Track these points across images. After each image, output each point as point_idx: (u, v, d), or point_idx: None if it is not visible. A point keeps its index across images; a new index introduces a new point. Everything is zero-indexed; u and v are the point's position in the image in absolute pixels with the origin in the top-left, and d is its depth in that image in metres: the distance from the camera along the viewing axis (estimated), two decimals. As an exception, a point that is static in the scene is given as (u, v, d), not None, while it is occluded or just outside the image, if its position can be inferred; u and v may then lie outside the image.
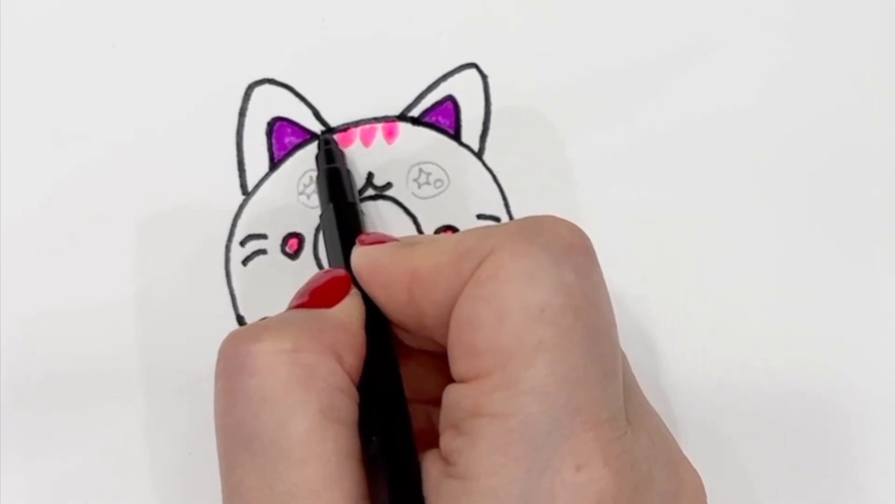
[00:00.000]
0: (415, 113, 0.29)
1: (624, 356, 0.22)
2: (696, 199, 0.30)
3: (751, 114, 0.30)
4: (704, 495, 0.21)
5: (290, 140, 0.29)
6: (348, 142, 0.29)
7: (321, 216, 0.27)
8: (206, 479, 0.27)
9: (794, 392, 0.29)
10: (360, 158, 0.29)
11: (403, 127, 0.29)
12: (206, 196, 0.29)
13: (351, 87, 0.30)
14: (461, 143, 0.30)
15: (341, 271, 0.24)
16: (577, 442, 0.18)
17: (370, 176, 0.29)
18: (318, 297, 0.23)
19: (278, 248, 0.29)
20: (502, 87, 0.30)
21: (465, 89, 0.30)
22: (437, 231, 0.29)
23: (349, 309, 0.22)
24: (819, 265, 0.30)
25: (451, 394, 0.20)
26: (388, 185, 0.29)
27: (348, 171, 0.28)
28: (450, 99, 0.30)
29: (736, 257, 0.29)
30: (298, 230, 0.29)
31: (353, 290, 0.23)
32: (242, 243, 0.29)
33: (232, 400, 0.20)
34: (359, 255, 0.23)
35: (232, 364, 0.20)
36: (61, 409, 0.28)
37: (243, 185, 0.29)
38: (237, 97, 0.29)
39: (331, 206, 0.26)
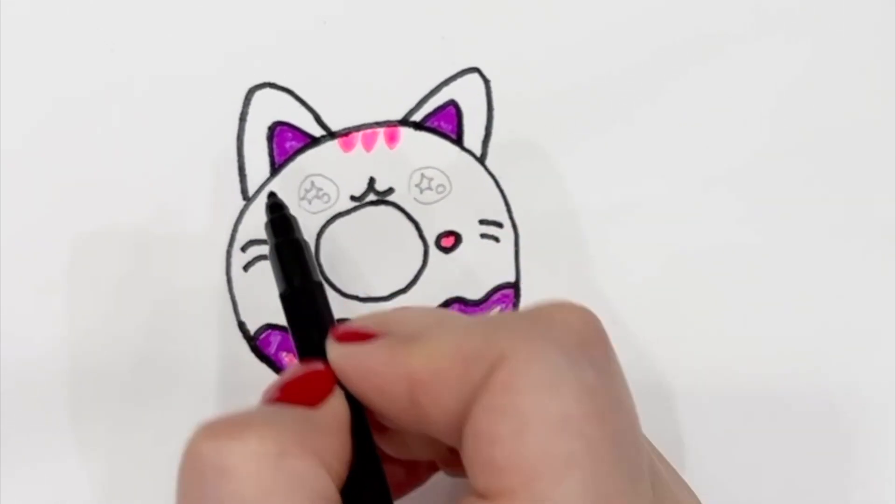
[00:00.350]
0: (417, 117, 0.29)
1: (646, 440, 0.21)
2: (696, 198, 0.30)
3: (750, 114, 0.30)
4: None
5: (291, 145, 0.29)
6: (350, 146, 0.29)
7: (281, 297, 0.24)
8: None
9: (797, 393, 0.29)
10: (362, 163, 0.29)
11: (405, 132, 0.29)
12: (207, 201, 0.29)
13: (352, 91, 0.29)
14: (463, 148, 0.29)
15: (320, 365, 0.21)
16: None
17: (372, 181, 0.29)
18: (300, 393, 0.20)
19: (279, 254, 0.29)
20: (504, 91, 0.30)
21: (468, 94, 0.30)
22: (439, 237, 0.29)
23: (335, 410, 0.20)
24: (820, 265, 0.30)
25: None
26: (390, 191, 0.29)
27: (305, 242, 0.25)
28: (452, 103, 0.30)
29: (736, 257, 0.29)
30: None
31: (337, 389, 0.20)
32: (244, 249, 0.28)
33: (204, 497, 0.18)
34: (341, 355, 0.21)
35: (206, 462, 0.18)
36: (60, 411, 0.28)
37: (244, 191, 0.29)
38: (238, 101, 0.29)
39: (291, 290, 0.24)
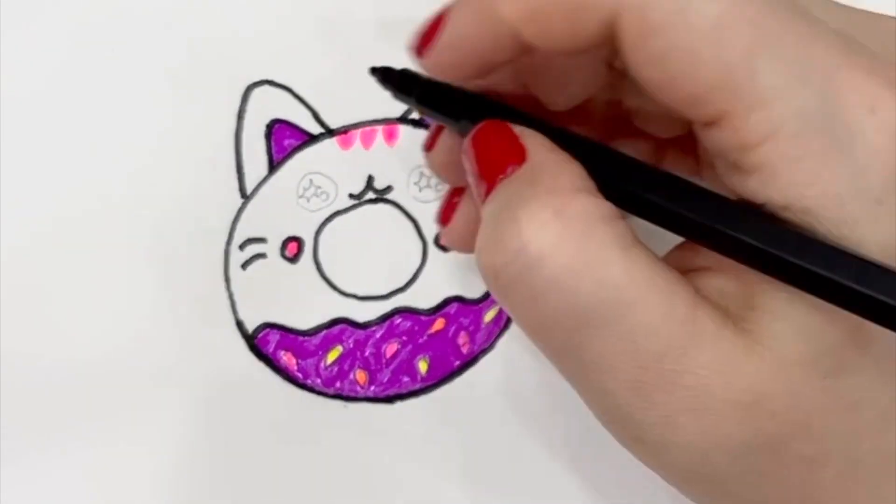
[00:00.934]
0: (415, 115, 0.29)
1: None
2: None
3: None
4: None
5: (289, 142, 0.29)
6: (348, 144, 0.29)
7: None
8: (206, 482, 0.27)
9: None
10: (361, 161, 0.29)
11: (404, 129, 0.29)
12: (205, 199, 0.29)
13: (351, 88, 0.29)
14: (462, 146, 0.29)
15: (491, 125, 0.20)
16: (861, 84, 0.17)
17: (370, 179, 0.29)
18: (507, 158, 0.19)
19: (277, 252, 0.28)
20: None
21: (466, 91, 0.29)
22: (438, 235, 0.29)
23: (538, 144, 0.19)
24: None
25: (712, 140, 0.18)
26: (389, 188, 0.29)
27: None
28: (451, 101, 0.29)
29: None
30: (298, 234, 0.29)
31: (519, 129, 0.20)
32: (241, 247, 0.28)
33: (536, 298, 0.18)
34: (435, 59, 0.21)
35: (516, 268, 0.18)
36: (59, 411, 0.28)
37: (242, 189, 0.29)
38: (236, 99, 0.29)
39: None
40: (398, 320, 0.28)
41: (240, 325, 0.28)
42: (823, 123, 0.17)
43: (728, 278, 0.19)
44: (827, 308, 0.17)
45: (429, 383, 0.28)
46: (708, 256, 0.19)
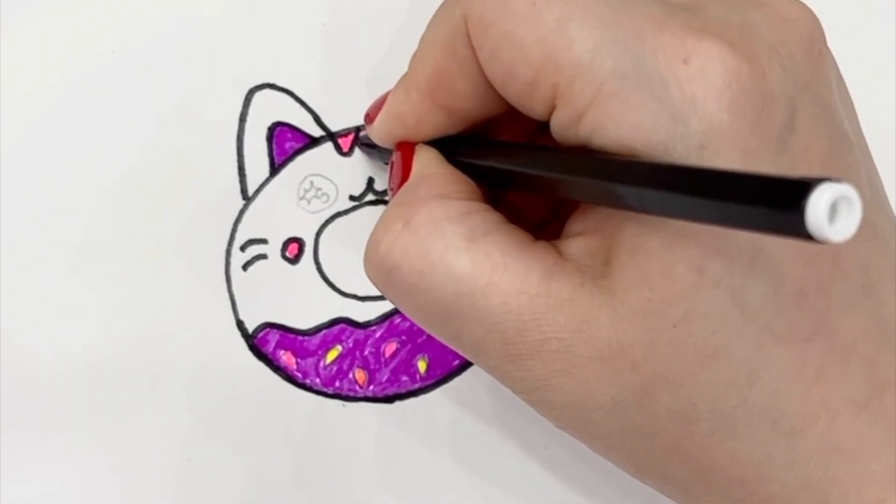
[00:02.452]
0: (415, 118, 0.29)
1: None
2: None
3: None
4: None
5: (290, 145, 0.29)
6: (349, 147, 0.29)
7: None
8: (205, 484, 0.27)
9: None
10: (361, 163, 0.29)
11: (404, 132, 0.29)
12: (207, 201, 0.29)
13: (352, 92, 0.30)
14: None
15: (398, 148, 0.24)
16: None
17: (371, 181, 0.29)
18: (398, 178, 0.23)
19: (278, 253, 0.29)
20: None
21: (466, 94, 0.30)
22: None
23: (422, 160, 0.22)
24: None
25: (556, 128, 0.20)
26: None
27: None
28: (450, 104, 0.30)
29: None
30: (299, 235, 0.29)
31: (418, 146, 0.23)
32: (243, 248, 0.29)
33: (406, 299, 0.21)
34: (378, 127, 0.24)
35: (382, 277, 0.21)
36: (59, 411, 0.28)
37: (244, 190, 0.29)
38: (237, 102, 0.29)
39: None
40: (398, 320, 0.28)
41: (240, 324, 0.28)
42: (640, 78, 0.18)
43: (592, 239, 0.20)
44: (666, 254, 0.18)
45: (428, 383, 0.28)
46: (581, 221, 0.20)
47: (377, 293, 0.28)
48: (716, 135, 0.17)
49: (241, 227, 0.29)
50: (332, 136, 0.29)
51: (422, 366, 0.28)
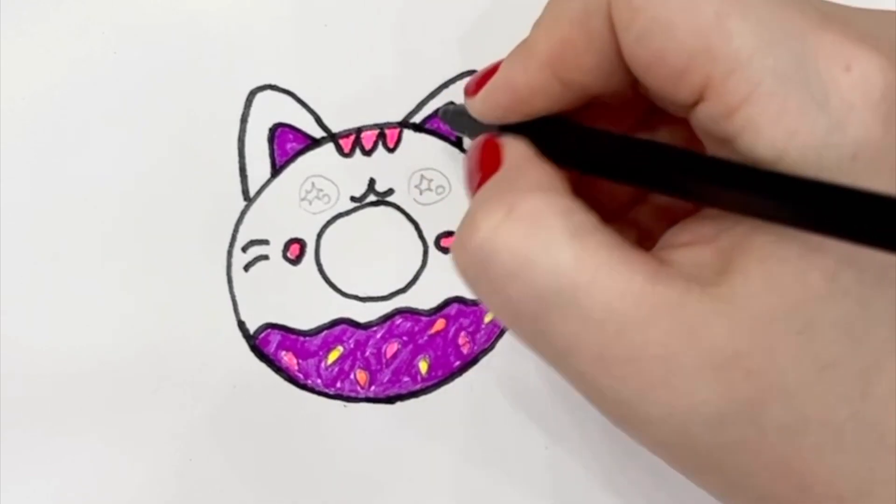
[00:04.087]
0: (417, 119, 0.30)
1: None
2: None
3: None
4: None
5: (291, 146, 0.29)
6: (350, 148, 0.29)
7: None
8: (207, 485, 0.27)
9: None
10: (362, 164, 0.29)
11: (405, 133, 0.30)
12: (208, 202, 0.29)
13: (353, 93, 0.30)
14: (463, 150, 0.30)
15: (482, 138, 0.23)
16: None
17: (372, 182, 0.29)
18: (487, 167, 0.22)
19: (280, 254, 0.29)
20: (504, 93, 0.30)
21: (467, 96, 0.30)
22: (439, 237, 0.29)
23: (514, 152, 0.22)
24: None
25: (702, 118, 0.19)
26: (390, 192, 0.29)
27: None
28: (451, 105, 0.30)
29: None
30: (300, 236, 0.29)
31: (504, 137, 0.22)
32: (244, 249, 0.29)
33: (499, 290, 0.20)
34: (485, 96, 0.22)
35: (477, 264, 0.20)
36: (60, 412, 0.28)
37: (245, 191, 0.29)
38: (239, 103, 0.29)
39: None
40: (399, 321, 0.28)
41: (241, 325, 0.28)
42: (799, 81, 0.17)
43: (704, 249, 0.19)
44: (801, 261, 0.18)
45: (429, 383, 0.28)
46: (691, 231, 0.20)
47: (378, 294, 0.29)
48: (868, 146, 0.17)
49: (242, 227, 0.29)
50: (333, 137, 0.29)
51: (423, 366, 0.28)
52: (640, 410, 0.19)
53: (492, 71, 0.22)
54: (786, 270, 0.18)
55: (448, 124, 0.28)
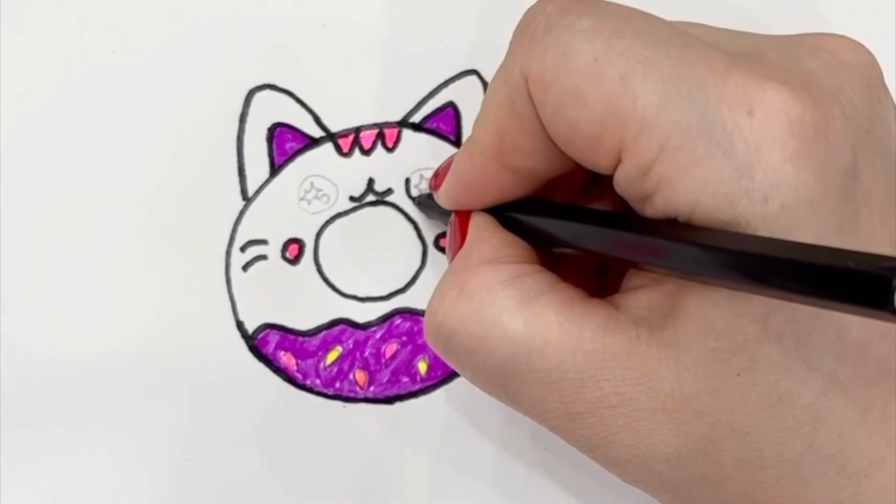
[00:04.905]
0: (416, 119, 0.29)
1: None
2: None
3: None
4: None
5: (290, 146, 0.29)
6: (349, 148, 0.29)
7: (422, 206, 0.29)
8: (204, 486, 0.27)
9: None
10: (361, 164, 0.29)
11: (404, 133, 0.29)
12: (207, 201, 0.29)
13: (352, 92, 0.30)
14: (462, 150, 0.30)
15: (454, 216, 0.24)
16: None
17: (371, 182, 0.29)
18: (456, 242, 0.23)
19: (279, 254, 0.29)
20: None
21: (466, 96, 0.30)
22: (438, 237, 0.29)
23: (477, 225, 0.23)
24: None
25: (621, 181, 0.19)
26: (389, 191, 0.29)
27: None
28: (451, 105, 0.30)
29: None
30: (299, 236, 0.29)
31: (473, 214, 0.23)
32: (243, 249, 0.29)
33: (465, 363, 0.21)
34: (445, 193, 0.24)
35: (440, 342, 0.21)
36: (58, 412, 0.28)
37: (244, 191, 0.29)
38: (238, 102, 0.29)
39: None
40: (398, 321, 0.28)
41: (240, 325, 0.28)
42: (704, 131, 0.18)
43: (654, 292, 0.20)
44: (732, 305, 0.18)
45: (428, 384, 0.28)
46: (642, 275, 0.21)
47: (377, 294, 0.29)
48: (780, 187, 0.17)
49: (241, 227, 0.29)
50: (332, 137, 0.29)
51: (422, 367, 0.28)
52: (609, 454, 0.20)
53: (449, 164, 0.24)
54: (719, 315, 0.18)
55: (424, 212, 0.29)
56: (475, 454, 0.28)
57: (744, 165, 0.18)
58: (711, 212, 0.18)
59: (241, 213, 0.29)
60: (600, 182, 0.23)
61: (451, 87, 0.30)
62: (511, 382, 0.20)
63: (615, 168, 0.19)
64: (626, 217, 0.20)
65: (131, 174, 0.29)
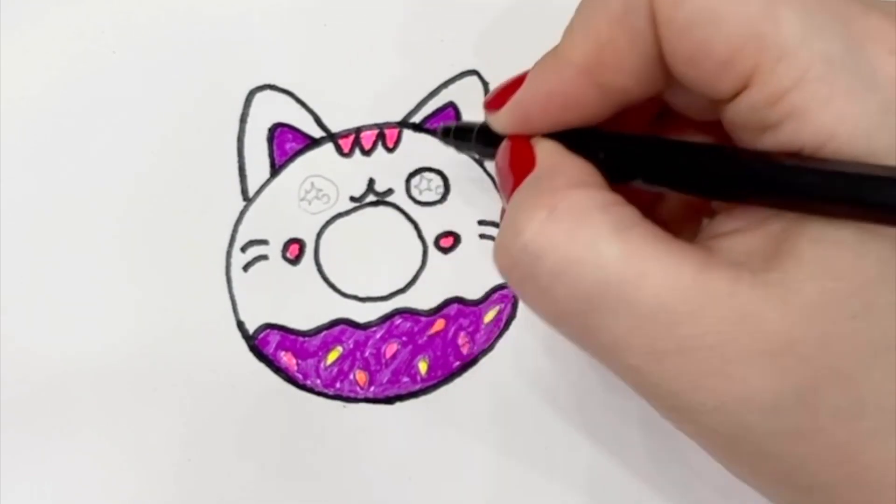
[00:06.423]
0: (416, 119, 0.30)
1: None
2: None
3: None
4: None
5: (291, 146, 0.29)
6: (349, 148, 0.29)
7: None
8: (204, 486, 0.27)
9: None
10: (362, 164, 0.29)
11: (405, 133, 0.29)
12: (208, 202, 0.29)
13: (352, 93, 0.30)
14: (462, 150, 0.30)
15: (509, 141, 0.22)
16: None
17: (371, 182, 0.29)
18: (519, 168, 0.21)
19: (279, 254, 0.29)
20: (503, 93, 0.30)
21: (466, 96, 0.30)
22: (438, 237, 0.29)
23: (547, 151, 0.21)
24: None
25: (743, 108, 0.19)
26: (390, 192, 0.29)
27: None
28: (451, 105, 0.30)
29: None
30: (299, 236, 0.29)
31: (536, 139, 0.22)
32: (243, 249, 0.29)
33: (546, 291, 0.19)
34: (513, 110, 0.22)
35: (522, 267, 0.20)
36: (58, 412, 0.28)
37: (244, 191, 0.29)
38: (238, 103, 0.29)
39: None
40: (398, 321, 0.28)
41: (240, 325, 0.28)
42: (847, 65, 0.17)
43: (753, 235, 0.19)
44: (857, 245, 0.17)
45: (429, 384, 0.28)
46: (737, 218, 0.20)
47: (377, 294, 0.29)
48: None
49: (241, 228, 0.29)
50: (332, 137, 0.29)
51: (422, 367, 0.28)
52: (692, 401, 0.18)
53: (516, 83, 0.22)
54: (840, 254, 0.18)
55: (450, 144, 0.27)
56: (476, 453, 0.28)
57: (885, 102, 0.17)
58: (845, 146, 0.17)
59: (242, 213, 0.29)
60: (668, 115, 0.23)
61: (452, 87, 0.30)
62: (594, 313, 0.19)
63: (736, 95, 0.19)
64: (738, 150, 0.19)
65: (131, 174, 0.29)
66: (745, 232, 0.19)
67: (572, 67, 0.20)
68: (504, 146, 0.22)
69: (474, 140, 0.25)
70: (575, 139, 0.21)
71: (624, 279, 0.18)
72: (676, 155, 0.20)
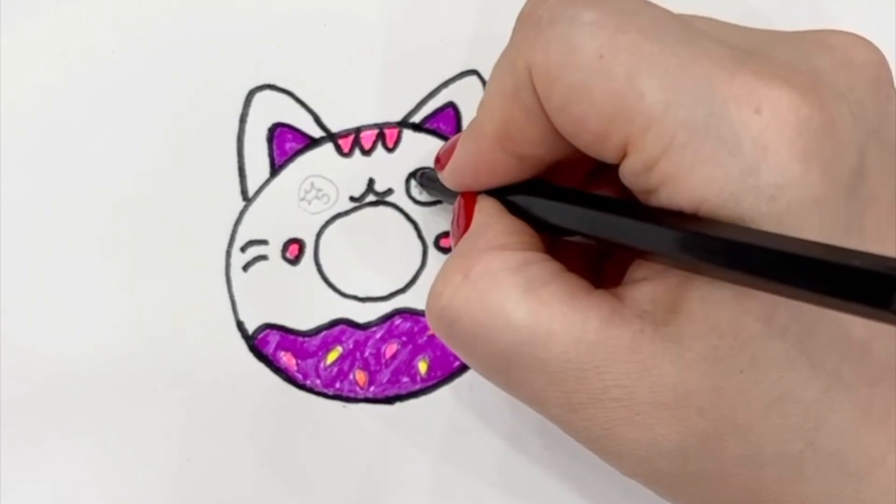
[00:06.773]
0: (416, 119, 0.29)
1: None
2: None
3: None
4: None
5: (291, 146, 0.29)
6: (349, 148, 0.29)
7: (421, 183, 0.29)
8: (205, 486, 0.27)
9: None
10: (362, 164, 0.29)
11: (405, 133, 0.29)
12: (207, 202, 0.29)
13: (352, 93, 0.30)
14: (462, 150, 0.30)
15: (460, 197, 0.24)
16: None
17: (371, 182, 0.29)
18: (461, 226, 0.23)
19: (279, 254, 0.29)
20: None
21: (467, 96, 0.30)
22: (439, 237, 0.29)
23: (484, 210, 0.23)
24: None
25: (626, 174, 0.19)
26: (389, 192, 0.29)
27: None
28: (451, 105, 0.30)
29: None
30: (299, 236, 0.29)
31: (479, 197, 0.23)
32: (243, 249, 0.29)
33: (467, 349, 0.21)
34: (449, 175, 0.24)
35: (443, 327, 0.21)
36: (59, 412, 0.28)
37: (244, 191, 0.29)
38: (238, 103, 0.29)
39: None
40: (398, 321, 0.28)
41: (240, 325, 0.28)
42: (711, 129, 0.18)
43: (658, 286, 0.20)
44: (737, 302, 0.18)
45: (428, 384, 0.28)
46: (646, 267, 0.20)
47: (377, 294, 0.29)
48: (787, 186, 0.17)
49: (241, 227, 0.29)
50: (332, 137, 0.29)
51: (422, 367, 0.28)
52: (610, 446, 0.20)
53: (454, 144, 0.24)
54: (722, 312, 0.18)
55: (425, 190, 0.28)
56: (475, 454, 0.28)
57: (750, 164, 0.17)
58: (717, 209, 0.18)
59: (242, 213, 0.29)
60: (606, 167, 0.24)
61: (452, 87, 0.30)
62: (513, 371, 0.20)
63: (621, 160, 0.19)
64: (634, 205, 0.20)
65: (131, 174, 0.29)
66: (651, 281, 0.20)
67: (486, 140, 0.22)
68: (455, 202, 0.24)
69: (439, 189, 0.26)
70: (518, 193, 0.23)
71: (533, 339, 0.20)
72: (581, 205, 0.21)
